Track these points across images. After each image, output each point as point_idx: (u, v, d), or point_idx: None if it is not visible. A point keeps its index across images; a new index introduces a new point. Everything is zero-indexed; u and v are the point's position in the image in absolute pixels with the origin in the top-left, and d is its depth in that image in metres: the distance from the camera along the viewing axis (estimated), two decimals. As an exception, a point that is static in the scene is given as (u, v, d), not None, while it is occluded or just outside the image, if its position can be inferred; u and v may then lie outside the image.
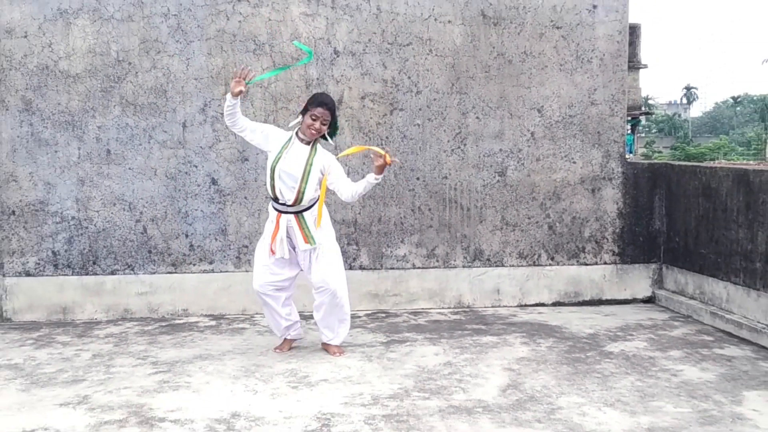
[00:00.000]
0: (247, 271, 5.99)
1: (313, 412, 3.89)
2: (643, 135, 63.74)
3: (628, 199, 6.44)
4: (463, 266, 6.31)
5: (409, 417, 3.80)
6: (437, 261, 6.29)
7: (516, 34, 6.19)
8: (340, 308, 4.85)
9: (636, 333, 5.47)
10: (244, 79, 4.53)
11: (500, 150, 6.27)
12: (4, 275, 6.02)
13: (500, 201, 6.30)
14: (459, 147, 6.24)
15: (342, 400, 4.06)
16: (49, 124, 5.96)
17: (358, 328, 5.64)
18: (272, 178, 4.63)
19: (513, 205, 6.32)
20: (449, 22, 6.14)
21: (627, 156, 6.53)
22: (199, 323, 5.88)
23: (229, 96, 4.57)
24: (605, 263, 6.44)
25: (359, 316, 6.03)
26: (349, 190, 4.71)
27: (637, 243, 6.47)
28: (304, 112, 4.66)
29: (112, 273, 6.07)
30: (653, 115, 69.40)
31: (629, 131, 32.33)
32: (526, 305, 6.37)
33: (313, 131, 4.63)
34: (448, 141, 6.22)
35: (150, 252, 6.08)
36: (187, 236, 6.10)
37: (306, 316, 5.95)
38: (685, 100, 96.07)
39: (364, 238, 6.21)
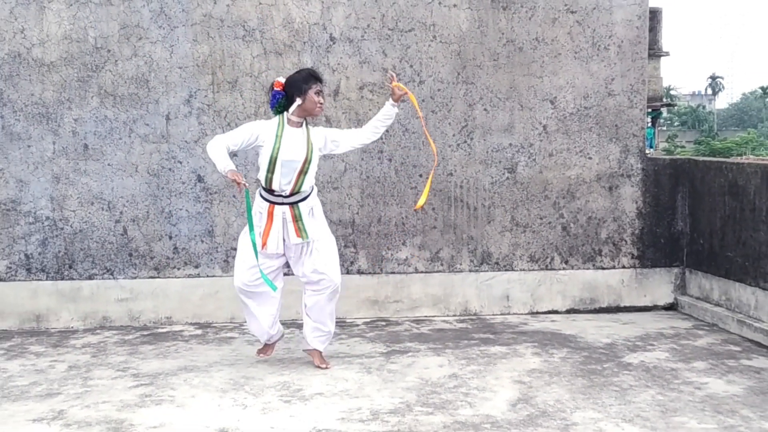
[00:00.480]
0: (235, 275, 5.99)
1: (307, 428, 3.90)
2: (664, 128, 63.82)
3: (649, 198, 6.45)
4: (470, 270, 6.32)
5: (411, 434, 3.81)
6: (441, 265, 6.30)
7: (527, 19, 6.20)
8: (333, 305, 4.86)
9: (657, 343, 5.48)
10: (241, 185, 4.48)
11: (510, 144, 6.28)
12: (-28, 280, 6.03)
13: (510, 200, 6.31)
14: (465, 141, 6.25)
15: (338, 416, 4.07)
16: (22, 116, 5.97)
17: (356, 338, 5.64)
18: (271, 171, 4.62)
19: (524, 205, 6.32)
20: (455, 6, 6.15)
21: (647, 151, 6.54)
22: (184, 332, 5.88)
23: (222, 168, 4.52)
24: (623, 267, 6.45)
25: (357, 325, 6.04)
26: (365, 132, 4.85)
27: (658, 245, 6.48)
28: (300, 92, 4.62)
29: (90, 278, 6.08)
30: (675, 107, 69.48)
31: (649, 124, 32.38)
32: (537, 313, 6.38)
33: (320, 107, 4.71)
34: (454, 135, 6.23)
35: (131, 255, 6.09)
36: (170, 238, 6.11)
37: (299, 324, 5.95)
38: (710, 91, 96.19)
39: (362, 240, 6.22)
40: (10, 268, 6.04)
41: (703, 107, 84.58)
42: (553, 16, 6.22)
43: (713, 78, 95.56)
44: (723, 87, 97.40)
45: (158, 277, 6.11)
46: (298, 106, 4.65)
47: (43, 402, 4.34)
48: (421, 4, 6.13)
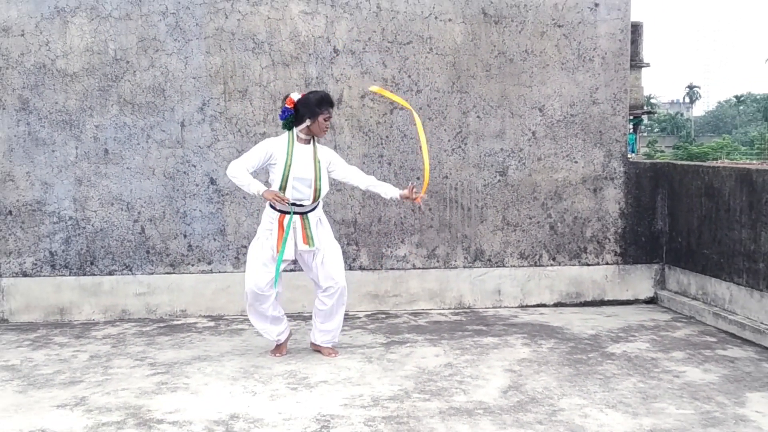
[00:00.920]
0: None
1: (313, 413, 3.90)
2: (645, 134, 63.75)
3: (630, 199, 6.44)
4: (464, 267, 6.32)
5: (409, 419, 3.80)
6: (438, 261, 6.30)
7: (517, 32, 6.19)
8: (343, 307, 4.87)
9: (638, 334, 5.47)
10: (284, 200, 4.49)
11: (501, 149, 6.27)
12: (0, 276, 6.02)
13: (501, 201, 6.30)
14: (460, 146, 6.24)
15: (342, 402, 4.06)
16: (47, 123, 5.96)
17: (358, 329, 5.64)
18: (283, 188, 4.56)
19: (514, 205, 6.32)
20: (450, 20, 6.14)
21: (629, 155, 6.52)
22: (198, 324, 5.88)
23: (257, 191, 4.49)
24: (607, 264, 6.44)
25: (359, 317, 6.03)
26: (366, 181, 4.79)
27: (640, 243, 6.47)
28: (311, 114, 4.58)
29: (110, 273, 6.08)
30: (655, 115, 69.41)
31: (631, 130, 32.31)
32: (527, 306, 6.38)
33: (326, 132, 4.70)
34: (449, 140, 6.22)
35: (148, 252, 6.08)
36: (185, 236, 6.10)
37: (305, 317, 5.94)
38: (687, 99, 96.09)
39: (363, 239, 6.21)
40: (36, 264, 6.04)
41: (681, 115, 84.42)
42: (541, 29, 6.22)
43: (690, 87, 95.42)
44: (699, 96, 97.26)
45: (174, 273, 6.11)
46: (307, 126, 4.62)
47: (66, 389, 4.33)
48: (419, 18, 6.12)
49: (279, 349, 5.00)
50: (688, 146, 52.75)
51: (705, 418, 3.79)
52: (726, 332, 5.47)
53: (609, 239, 6.43)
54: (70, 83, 5.95)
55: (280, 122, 4.75)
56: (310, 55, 6.06)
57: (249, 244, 6.03)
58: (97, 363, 4.85)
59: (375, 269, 6.24)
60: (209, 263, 6.13)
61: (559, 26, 6.22)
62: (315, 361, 4.82)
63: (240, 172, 4.55)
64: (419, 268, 6.28)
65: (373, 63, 6.11)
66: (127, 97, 5.99)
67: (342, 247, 6.11)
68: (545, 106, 6.28)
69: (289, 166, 4.57)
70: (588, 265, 6.42)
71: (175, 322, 5.93)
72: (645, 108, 40.24)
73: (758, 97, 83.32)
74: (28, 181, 5.98)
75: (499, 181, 6.29)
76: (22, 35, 5.89)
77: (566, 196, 6.36)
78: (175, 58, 5.98)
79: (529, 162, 6.30)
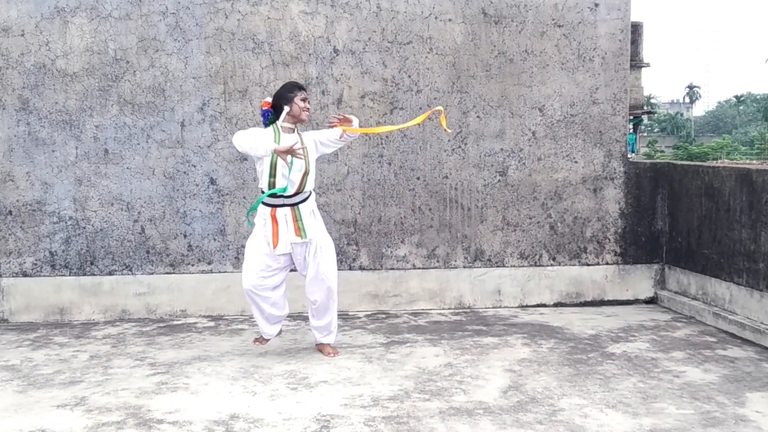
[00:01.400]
0: (245, 271, 5.99)
1: (313, 413, 3.90)
2: (645, 134, 63.75)
3: (630, 199, 6.44)
4: (464, 267, 6.31)
5: (409, 419, 3.80)
6: (438, 261, 6.30)
7: (517, 32, 6.19)
8: (334, 304, 4.88)
9: (638, 334, 5.47)
10: (292, 155, 4.54)
11: (501, 149, 6.27)
12: (0, 276, 6.02)
13: (501, 201, 6.30)
14: (460, 146, 6.24)
15: (342, 402, 4.06)
16: (47, 123, 5.96)
17: (358, 329, 5.64)
18: (273, 175, 4.62)
19: (514, 205, 6.32)
20: (450, 20, 6.14)
21: (629, 155, 6.52)
22: (198, 324, 5.88)
23: (265, 149, 4.51)
24: (607, 264, 6.44)
25: (359, 317, 6.03)
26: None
27: (640, 243, 6.47)
28: (287, 101, 4.67)
29: (110, 273, 6.08)
30: (655, 115, 69.41)
31: (631, 130, 32.32)
32: (527, 306, 6.38)
33: (307, 112, 4.73)
34: (449, 140, 6.22)
35: (148, 252, 6.08)
36: (185, 236, 6.10)
37: (305, 317, 5.95)
38: (687, 99, 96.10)
39: (363, 239, 6.21)
40: (36, 264, 6.04)
41: (681, 115, 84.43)
42: (541, 29, 6.22)
43: (690, 87, 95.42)
44: (699, 96, 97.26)
45: (174, 273, 6.11)
46: (287, 113, 4.68)
47: (66, 389, 4.33)
48: (419, 18, 6.12)
49: (261, 340, 5.04)
50: (688, 146, 52.75)
51: (705, 418, 3.79)
52: (726, 332, 5.47)
53: (609, 239, 6.43)
54: (70, 83, 5.95)
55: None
56: (310, 55, 6.06)
57: (249, 244, 6.07)
58: (97, 363, 4.85)
59: (375, 269, 6.24)
60: (209, 263, 6.13)
61: (559, 26, 6.22)
62: (315, 361, 4.82)
63: (246, 137, 4.58)
64: (419, 268, 6.28)
65: (373, 63, 6.11)
66: (127, 97, 5.99)
67: (342, 247, 6.14)
68: (545, 106, 6.28)
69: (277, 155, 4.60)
70: (588, 265, 6.42)
71: (175, 322, 5.93)
72: (645, 108, 40.24)
73: (758, 97, 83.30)
74: (28, 181, 5.98)
75: (499, 181, 6.29)
76: (22, 35, 5.89)
77: (566, 196, 6.36)
78: (175, 58, 5.98)
79: (529, 162, 6.30)
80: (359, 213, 6.20)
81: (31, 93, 5.93)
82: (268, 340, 5.04)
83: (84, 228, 6.04)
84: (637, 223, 6.47)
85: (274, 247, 4.68)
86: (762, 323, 5.21)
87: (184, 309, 6.12)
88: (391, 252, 6.25)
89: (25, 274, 6.03)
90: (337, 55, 6.09)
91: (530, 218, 6.34)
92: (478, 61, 6.19)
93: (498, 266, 6.34)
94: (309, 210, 4.74)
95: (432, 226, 6.27)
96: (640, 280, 6.49)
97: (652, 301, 6.50)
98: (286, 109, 4.67)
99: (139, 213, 6.06)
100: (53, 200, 6.00)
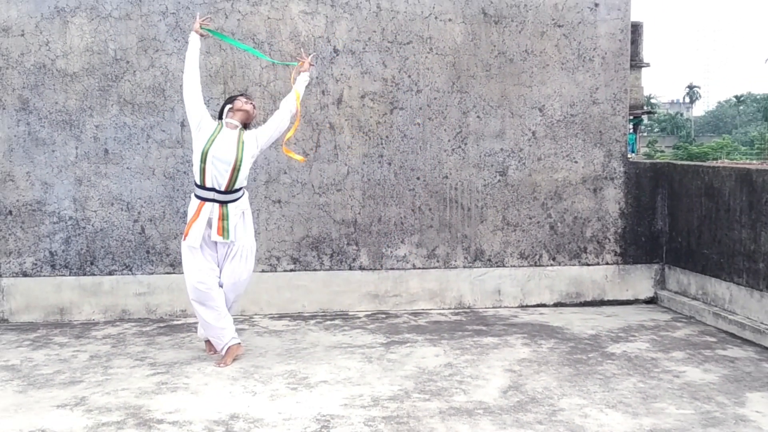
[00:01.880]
0: (245, 271, 5.98)
1: (313, 413, 3.90)
2: (645, 134, 63.75)
3: (630, 199, 6.44)
4: (464, 267, 6.31)
5: (409, 419, 3.80)
6: (438, 261, 6.29)
7: (517, 32, 6.19)
8: (238, 302, 5.05)
9: (638, 334, 5.47)
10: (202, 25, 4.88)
11: (501, 149, 6.27)
12: (0, 276, 6.02)
13: (501, 201, 6.30)
14: (460, 146, 6.24)
15: (342, 402, 4.06)
16: (47, 123, 5.96)
17: (358, 329, 5.64)
18: (203, 162, 4.63)
19: (514, 205, 6.32)
20: (450, 20, 6.14)
21: (629, 155, 6.52)
22: (198, 324, 5.86)
23: (193, 35, 4.81)
24: (607, 264, 6.44)
25: (359, 317, 6.03)
26: (283, 105, 4.98)
27: (639, 243, 6.47)
28: (230, 102, 4.85)
29: (110, 273, 6.07)
30: (655, 114, 69.38)
31: (631, 130, 32.31)
32: (527, 306, 6.38)
33: (246, 108, 4.80)
34: (449, 140, 6.22)
35: (148, 252, 6.08)
36: (185, 236, 6.09)
37: (305, 317, 5.95)
38: (687, 99, 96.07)
39: (363, 239, 6.21)
40: (36, 264, 6.04)
41: (681, 114, 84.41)
42: (541, 29, 6.22)
43: (690, 87, 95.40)
44: (699, 96, 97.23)
45: (174, 273, 6.10)
46: (230, 109, 4.81)
47: (66, 389, 4.33)
48: (419, 18, 6.12)
49: (211, 347, 4.96)
50: (688, 146, 52.74)
51: (705, 418, 3.79)
52: (726, 332, 5.47)
53: (609, 239, 6.43)
54: (70, 83, 5.95)
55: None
56: (309, 55, 6.05)
57: (249, 244, 6.06)
58: (97, 363, 4.85)
59: (375, 269, 6.24)
60: (209, 263, 6.12)
61: (559, 26, 6.22)
62: (315, 361, 4.82)
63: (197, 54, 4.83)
64: (419, 268, 6.28)
65: (373, 63, 6.11)
66: (127, 97, 5.99)
67: (342, 247, 6.14)
68: (545, 106, 6.28)
69: (212, 141, 4.65)
70: (588, 265, 6.42)
71: (175, 322, 5.93)
72: (645, 108, 40.23)
73: (758, 97, 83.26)
74: (28, 181, 5.98)
75: (499, 181, 6.29)
76: (22, 35, 5.89)
77: (566, 196, 6.36)
78: (175, 58, 5.98)
79: (529, 162, 6.30)
80: (359, 213, 6.20)
81: (31, 93, 5.93)
82: (214, 345, 4.93)
83: (84, 228, 6.04)
84: (637, 223, 6.47)
85: (185, 237, 4.68)
86: (762, 323, 5.21)
87: (184, 309, 6.12)
88: (391, 252, 6.25)
89: (25, 274, 6.03)
90: (337, 55, 6.09)
91: (530, 218, 6.34)
92: (478, 61, 6.19)
93: (498, 266, 6.34)
94: (239, 210, 4.75)
95: (432, 226, 6.26)
96: (640, 280, 6.49)
97: (652, 301, 6.50)
98: (229, 106, 4.84)
99: (139, 213, 6.06)
100: (53, 200, 6.00)
